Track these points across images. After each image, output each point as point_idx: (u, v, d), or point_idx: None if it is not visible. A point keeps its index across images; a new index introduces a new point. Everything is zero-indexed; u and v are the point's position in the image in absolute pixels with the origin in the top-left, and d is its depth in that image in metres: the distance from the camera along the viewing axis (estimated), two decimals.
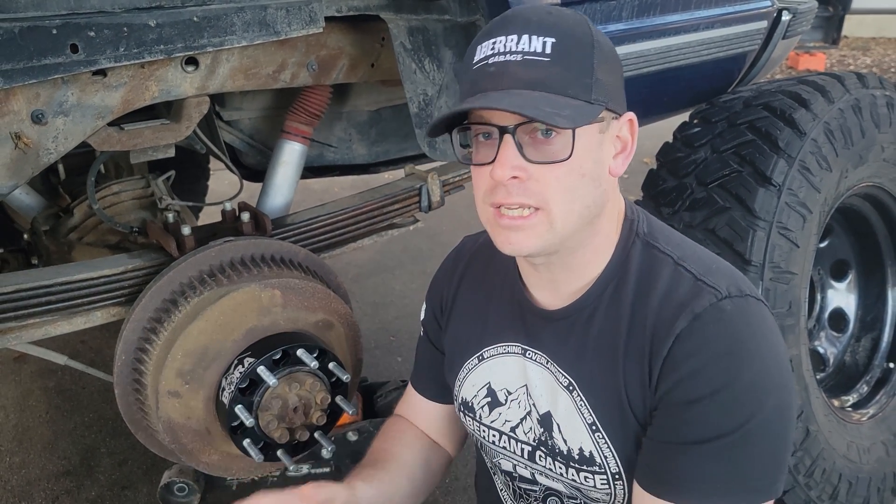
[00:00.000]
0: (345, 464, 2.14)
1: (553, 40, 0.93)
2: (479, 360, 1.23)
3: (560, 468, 1.14)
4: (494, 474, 1.33)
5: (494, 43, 0.95)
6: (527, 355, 1.17)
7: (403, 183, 2.14)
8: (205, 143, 2.09)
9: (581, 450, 1.11)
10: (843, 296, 2.32)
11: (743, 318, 0.98)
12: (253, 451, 1.55)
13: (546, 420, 1.15)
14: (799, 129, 1.80)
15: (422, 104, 1.83)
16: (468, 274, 1.29)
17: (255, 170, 2.36)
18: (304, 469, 2.04)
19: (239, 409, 1.52)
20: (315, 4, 1.64)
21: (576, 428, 1.10)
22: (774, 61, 2.31)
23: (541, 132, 0.95)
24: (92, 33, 1.39)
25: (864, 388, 2.21)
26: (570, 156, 0.94)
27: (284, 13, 1.61)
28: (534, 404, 1.16)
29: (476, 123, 0.99)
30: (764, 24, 2.09)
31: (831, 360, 2.29)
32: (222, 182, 3.51)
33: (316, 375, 1.60)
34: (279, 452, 1.60)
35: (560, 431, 1.13)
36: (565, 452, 1.12)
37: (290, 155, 2.07)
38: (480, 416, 1.24)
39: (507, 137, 0.95)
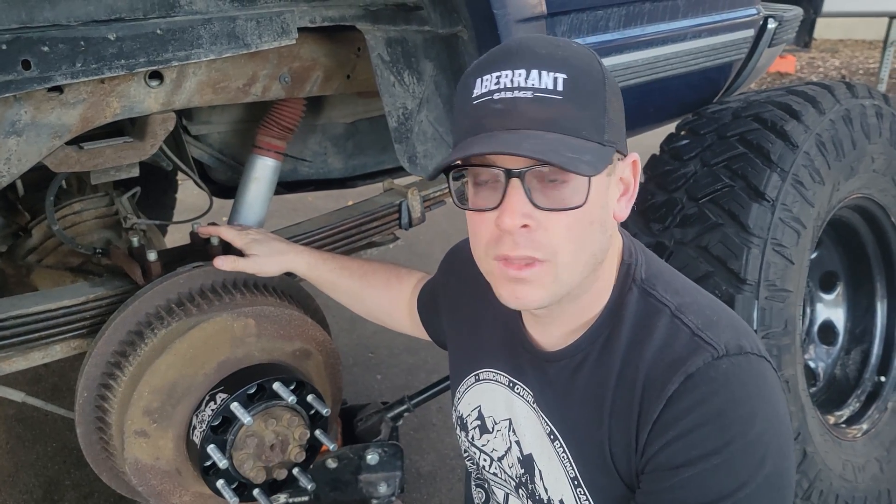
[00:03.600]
0: (324, 492, 2.06)
1: (564, 76, 0.85)
2: (476, 380, 1.19)
3: None
4: (488, 501, 1.27)
5: (499, 77, 0.86)
6: (514, 389, 1.11)
7: (382, 199, 2.06)
8: (171, 159, 1.98)
9: (561, 502, 1.05)
10: (831, 308, 2.28)
11: (739, 379, 0.90)
12: (227, 493, 1.45)
13: (528, 462, 1.10)
14: (791, 142, 1.75)
15: (401, 118, 1.75)
16: (474, 277, 1.22)
17: (226, 185, 2.26)
18: (282, 498, 1.94)
19: (211, 450, 1.42)
20: (287, 15, 1.55)
21: (557, 478, 1.05)
22: (759, 70, 2.27)
23: (549, 177, 0.87)
24: (46, 48, 1.29)
25: (856, 404, 2.17)
26: (584, 202, 0.87)
27: (255, 24, 1.51)
28: (517, 441, 1.11)
29: (476, 165, 0.90)
30: (750, 32, 2.04)
31: (822, 375, 2.25)
32: (191, 192, 3.39)
33: (294, 410, 1.51)
34: (255, 492, 1.51)
35: (542, 478, 1.07)
36: (545, 501, 1.07)
37: (263, 171, 1.97)
38: (472, 437, 1.19)
39: (516, 182, 0.86)
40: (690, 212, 1.76)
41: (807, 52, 9.45)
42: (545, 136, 0.84)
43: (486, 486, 1.24)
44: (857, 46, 10.43)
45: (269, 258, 1.52)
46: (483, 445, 1.18)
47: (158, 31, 1.40)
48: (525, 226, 0.88)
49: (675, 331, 0.94)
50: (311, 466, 1.72)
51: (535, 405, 1.07)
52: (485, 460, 1.19)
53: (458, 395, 1.23)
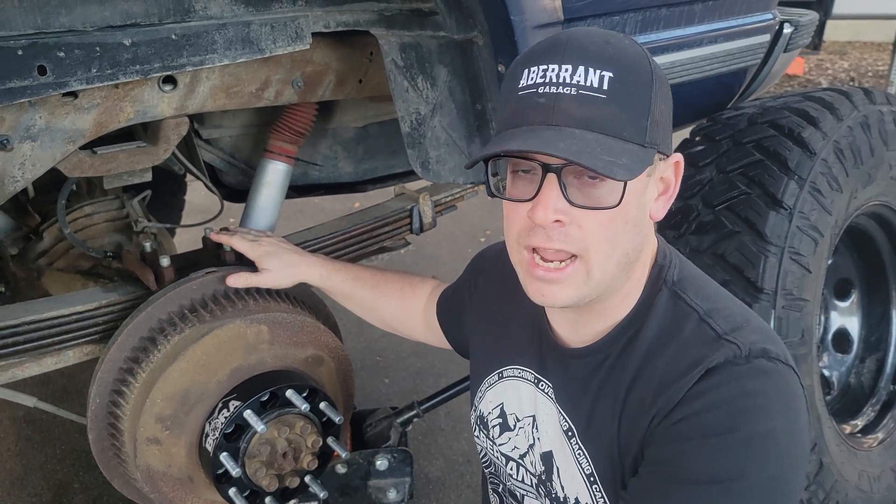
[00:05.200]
0: (334, 497, 2.05)
1: (611, 75, 0.85)
2: (499, 378, 1.19)
3: None
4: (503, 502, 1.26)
5: (546, 70, 0.87)
6: (539, 386, 1.11)
7: (394, 204, 2.05)
8: (183, 163, 1.98)
9: (577, 500, 1.05)
10: (846, 316, 2.26)
11: (757, 377, 0.90)
12: (239, 501, 1.45)
13: (547, 459, 1.10)
14: (809, 149, 1.73)
15: (414, 123, 1.74)
16: (501, 275, 1.22)
17: (237, 189, 2.25)
18: (292, 503, 1.94)
19: (224, 457, 1.41)
20: (301, 20, 1.54)
21: (573, 476, 1.05)
22: (775, 75, 2.25)
23: (588, 174, 0.87)
24: (61, 54, 1.28)
25: (871, 413, 2.15)
26: (618, 203, 0.87)
27: (269, 29, 1.51)
28: (539, 438, 1.11)
29: (517, 156, 0.91)
30: (766, 37, 2.03)
31: (836, 383, 2.23)
32: (200, 194, 3.38)
33: (306, 417, 1.50)
34: (267, 500, 1.50)
35: (559, 476, 1.08)
36: (561, 499, 1.07)
37: (274, 175, 1.96)
38: (493, 436, 1.19)
39: (552, 177, 0.87)
40: (706, 219, 1.74)
41: (815, 55, 9.40)
42: (584, 135, 0.84)
43: (500, 489, 1.24)
44: (867, 49, 10.38)
45: (281, 271, 1.52)
46: (502, 445, 1.18)
47: (173, 37, 1.39)
48: (558, 221, 0.88)
49: (701, 333, 0.94)
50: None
51: (556, 401, 1.07)
52: (503, 460, 1.18)
53: (478, 395, 1.23)
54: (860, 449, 1.96)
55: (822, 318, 2.25)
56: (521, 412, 1.14)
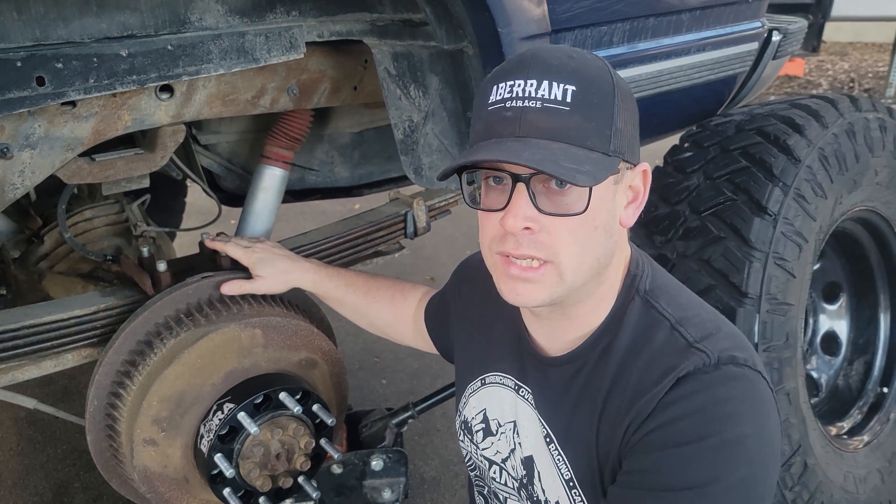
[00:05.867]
0: (329, 497, 2.08)
1: (573, 88, 0.89)
2: (482, 384, 1.22)
3: None
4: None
5: (513, 86, 0.91)
6: (519, 392, 1.14)
7: (388, 209, 2.08)
8: (181, 168, 2.01)
9: (557, 503, 1.08)
10: (834, 319, 2.29)
11: (726, 384, 0.93)
12: (233, 501, 1.48)
13: (528, 464, 1.13)
14: (794, 156, 1.76)
15: (407, 130, 1.77)
16: (484, 283, 1.24)
17: (234, 194, 2.29)
18: (287, 503, 1.97)
19: (219, 458, 1.44)
20: (296, 30, 1.57)
21: (554, 480, 1.08)
22: (764, 81, 2.28)
23: (556, 182, 0.91)
24: (59, 65, 1.31)
25: (858, 415, 2.17)
26: (585, 209, 0.91)
27: (264, 39, 1.54)
28: (520, 443, 1.14)
29: (488, 168, 0.95)
30: (755, 45, 2.05)
31: (824, 385, 2.26)
32: (200, 196, 3.42)
33: (299, 419, 1.54)
34: (261, 500, 1.53)
35: (540, 480, 1.10)
36: (542, 502, 1.10)
37: (271, 180, 1.99)
38: (476, 441, 1.22)
39: (521, 186, 0.91)
40: (693, 225, 1.77)
41: (815, 56, 9.41)
42: (549, 145, 0.88)
43: (485, 491, 1.27)
44: (867, 50, 10.38)
45: (275, 278, 1.56)
46: (485, 449, 1.21)
47: (169, 47, 1.42)
48: (528, 228, 0.92)
49: (673, 342, 0.97)
50: (317, 472, 1.74)
51: (535, 408, 1.10)
52: (487, 464, 1.21)
53: (462, 400, 1.26)
54: (846, 450, 1.98)
55: (811, 321, 2.27)
56: (503, 418, 1.17)
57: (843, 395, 2.25)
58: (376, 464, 2.01)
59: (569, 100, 0.89)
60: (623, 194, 0.98)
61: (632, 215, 1.01)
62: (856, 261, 2.26)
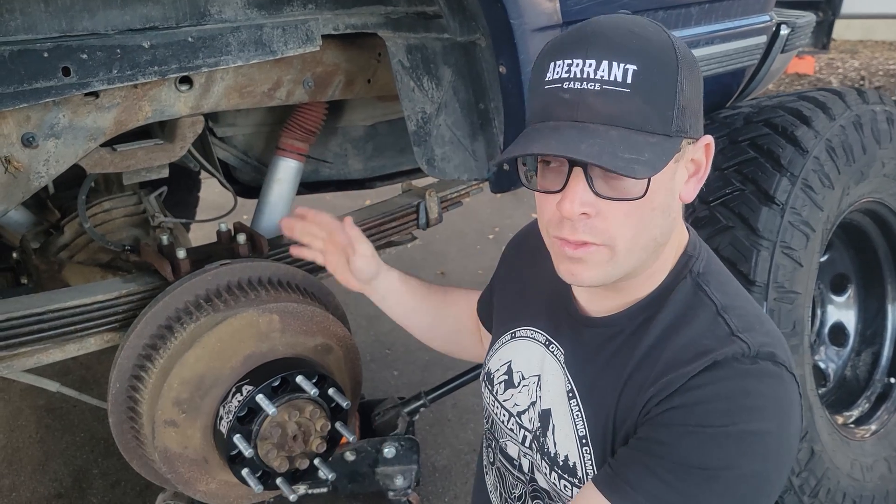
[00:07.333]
0: (342, 483, 2.12)
1: (635, 68, 0.86)
2: (511, 338, 1.22)
3: (545, 468, 1.13)
4: (493, 464, 1.30)
5: (570, 65, 0.88)
6: (549, 347, 1.14)
7: (401, 200, 2.12)
8: (198, 160, 2.05)
9: (567, 458, 1.09)
10: (842, 310, 2.31)
11: (760, 379, 0.92)
12: (252, 481, 1.52)
13: (545, 417, 1.13)
14: (801, 147, 1.78)
15: (420, 122, 1.80)
16: (528, 248, 1.25)
17: (250, 186, 2.33)
18: (301, 489, 2.01)
19: (237, 439, 1.48)
20: (312, 23, 1.61)
21: (567, 435, 1.08)
22: (772, 75, 2.30)
23: None
24: (84, 56, 1.35)
25: (866, 404, 2.19)
26: (644, 193, 0.89)
27: (281, 32, 1.57)
28: (540, 397, 1.14)
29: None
30: (763, 38, 2.07)
31: (832, 375, 2.28)
32: (213, 191, 3.46)
33: (315, 402, 1.57)
34: (278, 481, 1.57)
35: (553, 433, 1.11)
36: (552, 455, 1.10)
37: (286, 172, 2.04)
38: (496, 392, 1.22)
39: (578, 171, 0.89)
40: (701, 214, 1.80)
41: (825, 54, 9.38)
42: (608, 132, 0.86)
43: (493, 445, 1.27)
44: (877, 47, 10.33)
45: (372, 258, 1.40)
46: (505, 401, 1.20)
47: (190, 39, 1.46)
48: (584, 213, 0.90)
49: (715, 327, 0.96)
50: (331, 459, 1.78)
51: (564, 364, 1.10)
52: (504, 415, 1.21)
53: (490, 353, 1.26)
54: (853, 439, 2.01)
55: (820, 312, 2.29)
56: (528, 371, 1.17)
57: (851, 385, 2.26)
58: (389, 451, 2.05)
59: (629, 80, 0.85)
60: (684, 169, 0.96)
61: (693, 189, 0.98)
62: (863, 252, 2.28)
